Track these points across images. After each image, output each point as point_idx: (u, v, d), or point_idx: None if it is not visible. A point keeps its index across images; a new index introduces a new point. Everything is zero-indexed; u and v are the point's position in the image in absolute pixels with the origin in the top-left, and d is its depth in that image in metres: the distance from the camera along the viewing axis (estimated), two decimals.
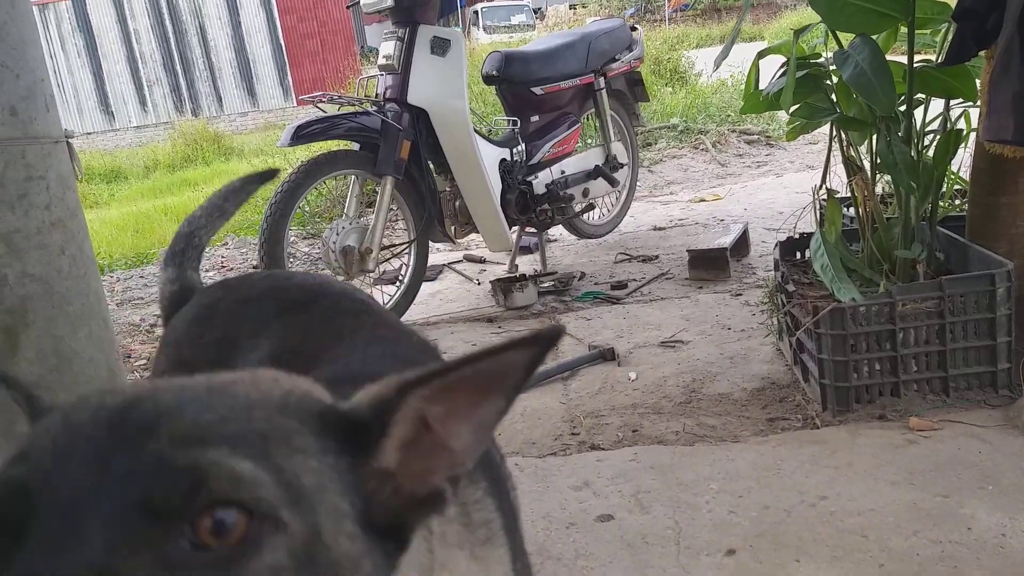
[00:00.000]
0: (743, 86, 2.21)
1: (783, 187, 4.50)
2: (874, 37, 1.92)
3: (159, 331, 3.10)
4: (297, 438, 0.49)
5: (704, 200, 4.47)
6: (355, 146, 2.90)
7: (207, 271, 4.00)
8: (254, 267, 4.01)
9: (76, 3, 17.23)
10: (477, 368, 0.50)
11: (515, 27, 19.77)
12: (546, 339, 0.49)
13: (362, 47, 17.56)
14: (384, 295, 3.04)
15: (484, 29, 19.88)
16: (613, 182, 3.61)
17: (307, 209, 4.78)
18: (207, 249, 4.34)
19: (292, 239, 4.41)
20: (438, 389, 0.51)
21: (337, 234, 2.82)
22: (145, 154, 11.97)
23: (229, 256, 4.29)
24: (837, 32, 1.98)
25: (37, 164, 1.91)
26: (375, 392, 0.52)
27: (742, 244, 3.31)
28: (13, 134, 1.87)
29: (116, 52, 17.62)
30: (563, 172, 3.43)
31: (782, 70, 2.11)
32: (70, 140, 2.05)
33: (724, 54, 2.06)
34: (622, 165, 3.73)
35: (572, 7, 23.84)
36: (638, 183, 4.33)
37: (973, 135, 2.03)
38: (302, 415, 0.50)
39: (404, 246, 3.07)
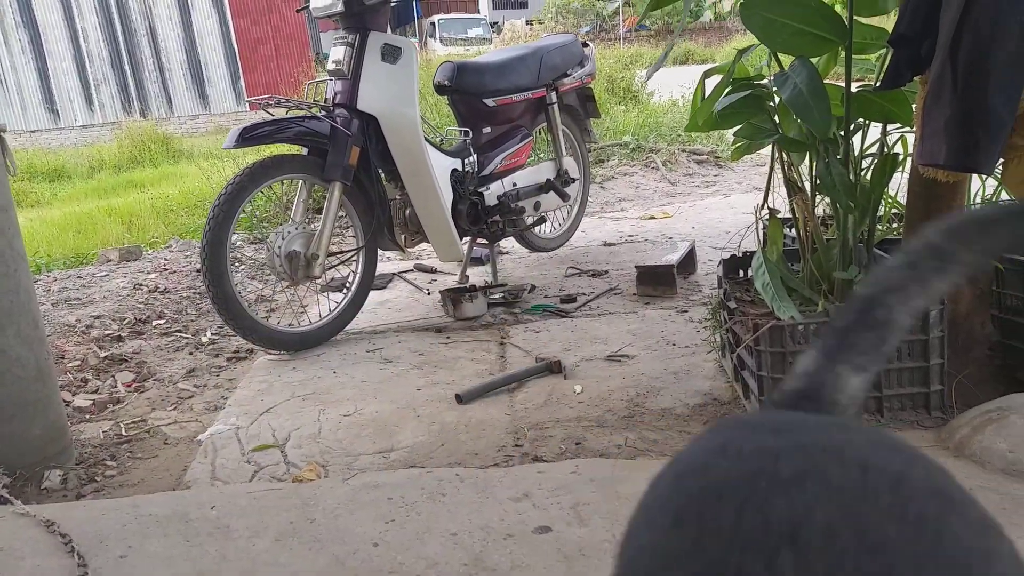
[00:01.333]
0: (691, 108, 2.25)
1: (730, 207, 4.59)
2: (814, 60, 1.98)
3: (95, 332, 3.01)
4: None
5: (654, 217, 4.53)
6: (303, 151, 2.87)
7: (148, 273, 3.90)
8: (197, 271, 3.92)
9: None
10: None
11: (472, 40, 19.85)
12: None
13: (317, 54, 17.41)
14: (331, 302, 3.00)
15: (441, 41, 19.93)
16: (564, 196, 3.63)
17: (256, 214, 4.70)
18: (150, 251, 4.23)
19: (238, 243, 4.33)
20: None
21: (283, 239, 2.77)
22: (90, 154, 11.65)
23: (172, 259, 4.19)
24: (779, 55, 2.02)
25: None
26: None
27: (689, 262, 3.36)
28: None
29: (62, 50, 17.14)
30: (515, 184, 3.44)
31: (728, 89, 2.15)
32: (2, 133, 1.99)
33: (656, 67, 2.09)
34: (573, 180, 3.76)
35: (529, 23, 24.06)
36: (589, 199, 4.37)
37: (909, 159, 2.10)
38: None
39: (352, 253, 3.04)
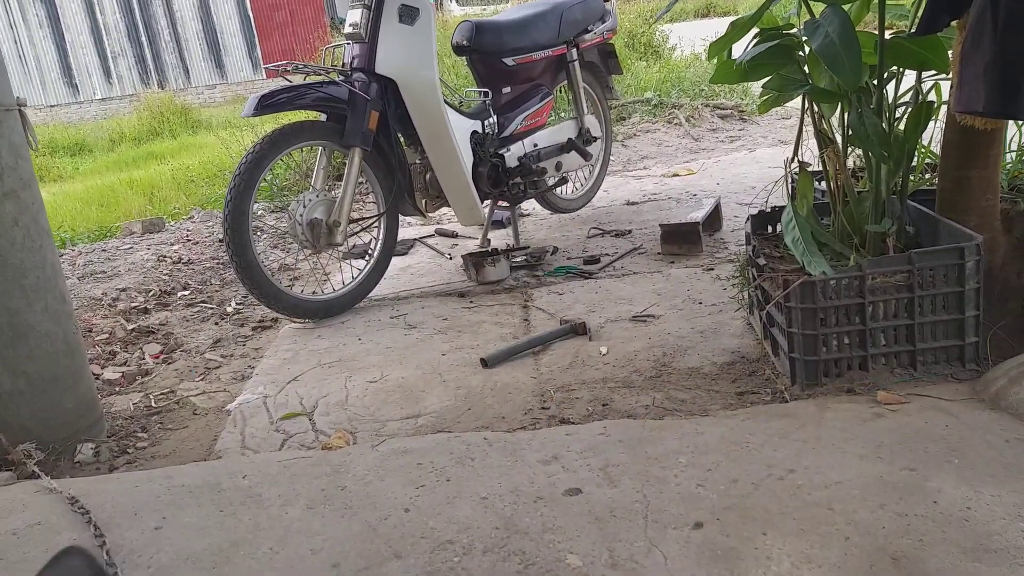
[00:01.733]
0: (717, 59, 2.18)
1: (756, 162, 4.50)
2: (845, 7, 1.90)
3: (121, 305, 3.04)
4: None
5: (677, 175, 4.45)
6: (322, 117, 2.84)
7: (171, 244, 3.92)
8: (219, 241, 3.93)
9: None
10: None
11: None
12: None
13: (332, 18, 17.23)
14: (354, 269, 2.99)
15: (457, 1, 19.62)
16: (586, 156, 3.57)
17: (276, 182, 4.70)
18: (172, 223, 4.27)
19: (259, 212, 4.33)
20: None
21: (304, 206, 2.76)
22: (110, 127, 11.71)
23: (195, 230, 4.21)
24: (809, 2, 1.95)
25: None
26: None
27: (714, 218, 3.30)
28: None
29: (79, 23, 17.14)
30: (536, 145, 3.39)
31: (754, 40, 2.08)
32: (23, 108, 1.98)
33: (667, 9, 2.03)
34: (595, 139, 3.69)
35: None
36: (611, 157, 4.30)
37: (944, 107, 2.03)
38: None
39: (373, 219, 3.02)
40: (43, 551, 1.50)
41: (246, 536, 1.48)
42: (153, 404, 2.28)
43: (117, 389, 2.41)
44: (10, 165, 1.89)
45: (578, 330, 2.44)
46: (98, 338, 2.71)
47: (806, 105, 2.09)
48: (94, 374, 2.34)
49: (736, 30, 1.98)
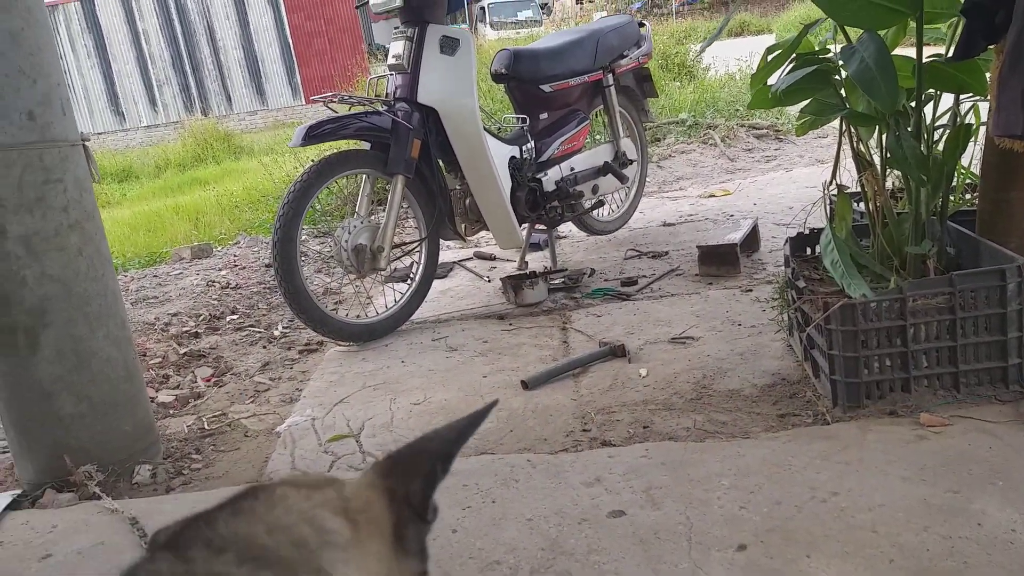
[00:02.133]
0: (752, 85, 2.22)
1: (792, 182, 4.50)
2: (883, 32, 1.93)
3: (173, 329, 3.14)
4: None
5: (713, 195, 4.47)
6: (366, 145, 2.92)
7: (219, 270, 4.04)
8: (267, 266, 4.04)
9: (85, 4, 17.33)
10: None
11: (522, 23, 19.74)
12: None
13: (369, 45, 17.56)
14: (396, 293, 3.06)
15: (491, 25, 19.87)
16: (622, 178, 3.61)
17: (318, 207, 4.81)
18: (219, 248, 4.38)
19: (304, 237, 4.43)
20: None
21: (349, 233, 2.84)
22: (156, 153, 12.05)
23: (241, 255, 4.32)
24: (846, 27, 1.98)
25: (54, 167, 1.94)
26: None
27: (752, 239, 3.31)
28: (31, 138, 1.90)
29: (125, 53, 17.71)
30: (572, 169, 3.44)
31: (791, 65, 2.11)
32: (86, 143, 2.08)
33: (710, 41, 2.07)
34: (631, 161, 3.73)
35: (579, 2, 23.80)
36: (647, 179, 4.33)
37: (983, 129, 2.03)
38: None
39: (415, 244, 3.09)
40: (108, 570, 1.57)
41: None
42: (206, 426, 2.36)
43: (171, 412, 2.50)
44: (75, 198, 1.99)
45: (617, 352, 2.47)
46: (152, 362, 2.81)
47: (843, 128, 2.11)
48: (149, 397, 2.42)
49: (775, 59, 2.02)
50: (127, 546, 1.62)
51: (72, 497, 1.94)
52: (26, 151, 1.89)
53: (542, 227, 3.48)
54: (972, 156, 2.23)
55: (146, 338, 3.03)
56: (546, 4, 23.20)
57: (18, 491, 2.03)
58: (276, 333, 3.14)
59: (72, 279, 1.97)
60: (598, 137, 4.44)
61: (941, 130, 2.06)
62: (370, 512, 0.58)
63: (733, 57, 7.63)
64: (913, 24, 1.89)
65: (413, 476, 0.62)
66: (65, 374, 1.98)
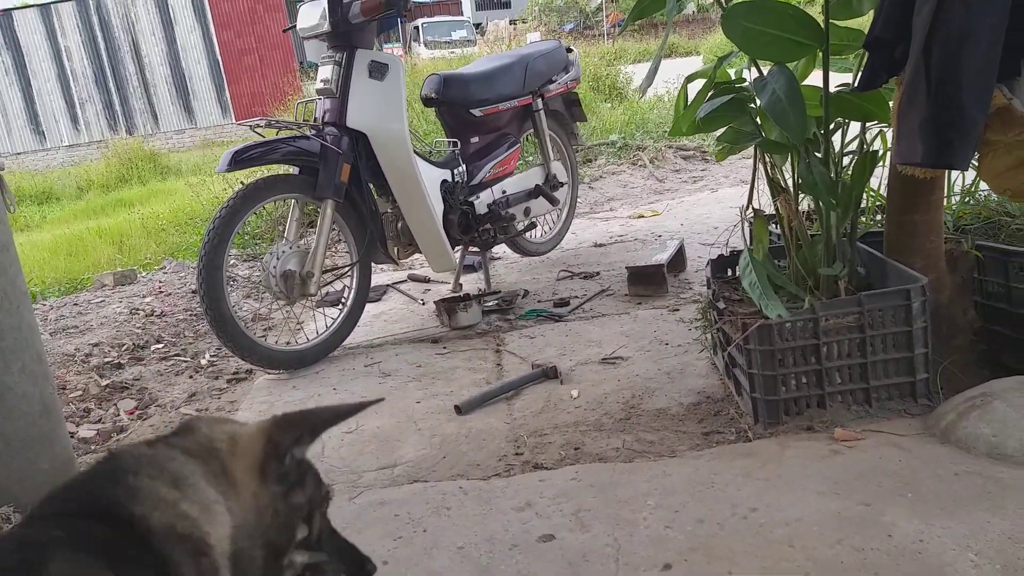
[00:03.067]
0: (674, 112, 2.29)
1: (718, 202, 4.63)
2: (792, 64, 2.02)
3: (94, 360, 3.04)
4: None
5: (643, 216, 4.57)
6: (295, 170, 2.90)
7: (143, 296, 3.93)
8: (193, 292, 3.95)
9: (3, 19, 16.71)
10: None
11: (456, 43, 19.86)
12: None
13: (301, 63, 17.42)
14: (327, 318, 3.04)
15: (425, 44, 19.94)
16: (553, 201, 3.67)
17: (247, 231, 4.73)
18: (143, 274, 4.25)
19: (232, 262, 4.35)
20: None
21: (277, 258, 2.81)
22: (78, 174, 11.67)
23: (167, 281, 4.22)
24: (757, 60, 2.07)
25: None
26: None
27: (679, 260, 3.40)
28: None
29: (46, 70, 17.13)
30: (504, 192, 3.48)
31: (710, 93, 2.19)
32: (1, 172, 2.02)
33: (648, 81, 2.13)
34: (562, 184, 3.80)
35: (512, 22, 24.07)
36: (578, 200, 4.41)
37: (889, 153, 2.14)
38: None
39: (346, 268, 3.07)
40: None
41: None
42: None
43: (93, 447, 2.42)
44: None
45: (549, 374, 2.50)
46: (72, 395, 2.71)
47: (758, 155, 2.20)
48: (69, 432, 2.34)
49: (698, 96, 2.08)
50: None
51: None
52: None
53: (475, 249, 3.50)
54: (881, 179, 2.34)
55: (66, 370, 2.93)
56: (480, 24, 23.39)
57: None
58: (203, 362, 3.08)
59: None
60: (529, 159, 4.51)
61: (850, 156, 2.16)
62: (249, 447, 0.86)
63: (661, 80, 7.83)
64: (820, 56, 1.98)
65: (287, 433, 0.87)
66: None
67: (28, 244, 6.73)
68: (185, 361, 3.10)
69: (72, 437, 2.39)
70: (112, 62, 17.22)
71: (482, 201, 3.37)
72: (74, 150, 17.04)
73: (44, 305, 3.99)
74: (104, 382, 2.83)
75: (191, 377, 2.94)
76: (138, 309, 3.61)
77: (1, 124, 17.02)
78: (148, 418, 2.63)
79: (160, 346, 3.26)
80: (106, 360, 3.06)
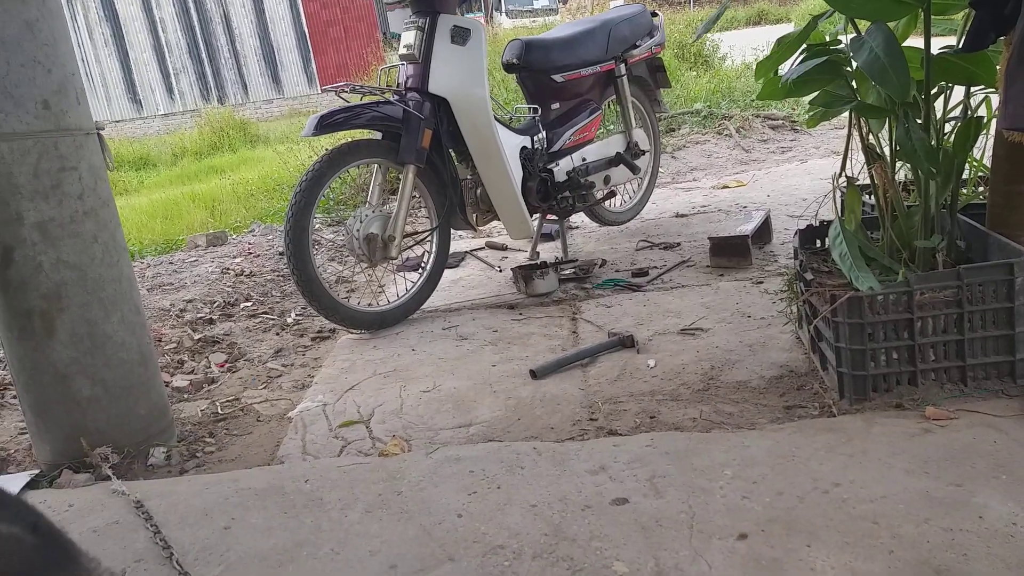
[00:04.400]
0: (763, 76, 2.21)
1: (807, 173, 4.48)
2: (892, 24, 1.91)
3: (188, 316, 3.18)
4: None
5: (727, 187, 4.45)
6: (378, 135, 2.94)
7: (234, 257, 4.08)
8: (280, 254, 4.08)
9: None
10: None
11: (538, 11, 19.68)
12: None
13: (384, 33, 17.58)
14: (407, 282, 3.08)
15: (506, 14, 19.82)
16: (634, 169, 3.62)
17: (331, 196, 4.84)
18: (234, 236, 4.44)
19: (317, 226, 4.47)
20: None
21: (360, 222, 2.86)
22: (172, 141, 12.13)
23: (256, 243, 4.36)
24: (855, 20, 1.97)
25: (70, 155, 1.97)
26: None
27: (764, 231, 3.31)
28: (46, 127, 1.93)
29: (143, 41, 17.81)
30: (584, 159, 3.45)
31: (801, 56, 2.10)
32: (101, 132, 2.11)
33: (706, 27, 2.06)
34: (643, 152, 3.73)
35: None
36: (660, 169, 4.33)
37: (995, 121, 2.02)
38: None
39: (426, 233, 3.11)
40: (121, 548, 1.61)
41: (309, 537, 1.56)
42: (219, 411, 2.39)
43: (186, 396, 2.54)
44: (90, 186, 2.02)
45: (626, 343, 2.48)
46: (167, 347, 2.85)
47: (853, 120, 2.11)
48: (164, 382, 2.46)
49: (783, 48, 2.01)
50: (140, 525, 1.66)
51: (88, 478, 1.98)
52: (42, 139, 1.92)
53: (554, 217, 3.49)
54: (984, 148, 2.21)
55: (161, 324, 3.07)
56: None
57: (36, 471, 2.07)
58: (289, 320, 3.18)
59: (87, 265, 2.00)
60: (610, 127, 4.44)
61: (952, 123, 2.05)
62: None
63: (750, 47, 7.60)
64: (922, 15, 1.88)
65: None
66: (80, 357, 2.01)
67: (127, 207, 7.05)
68: (272, 319, 3.20)
69: (167, 386, 2.51)
70: (204, 33, 17.77)
71: (561, 168, 3.35)
72: (169, 119, 17.73)
73: (142, 263, 4.18)
74: (197, 336, 2.96)
75: (277, 334, 3.05)
76: (228, 269, 3.75)
77: (101, 93, 17.82)
78: (237, 371, 2.74)
79: (249, 304, 3.38)
80: (199, 315, 3.19)
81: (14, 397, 2.60)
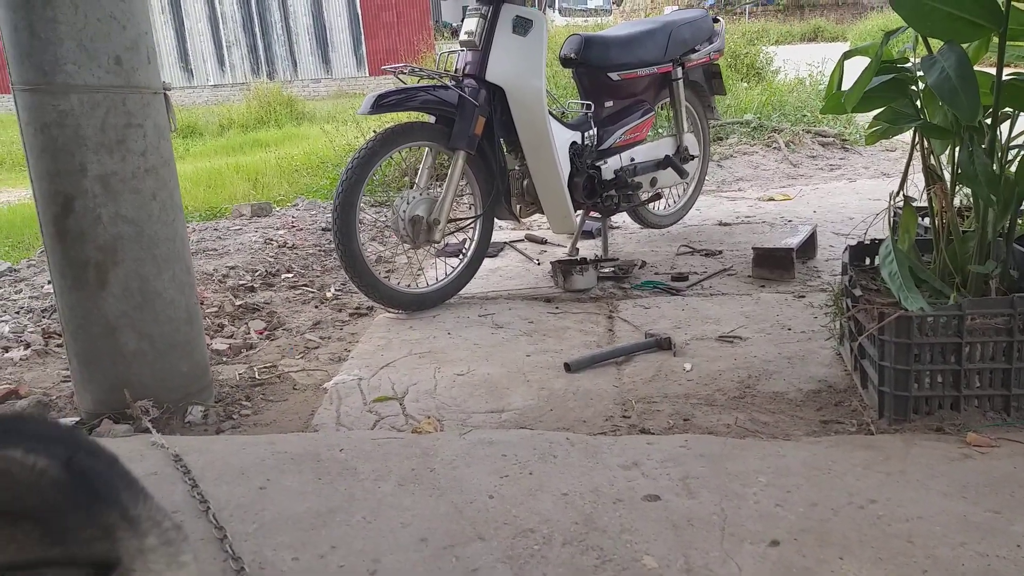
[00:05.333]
0: (822, 86, 2.19)
1: (855, 192, 4.42)
2: (964, 46, 1.89)
3: (230, 282, 3.23)
4: None
5: (773, 199, 4.42)
6: (431, 119, 2.96)
7: (277, 229, 4.13)
8: (323, 229, 4.12)
9: None
10: None
11: (591, 11, 19.62)
12: None
13: (437, 21, 17.63)
14: (447, 266, 3.11)
15: (559, 11, 19.78)
16: (682, 173, 3.60)
17: (376, 178, 4.88)
18: (278, 209, 4.49)
19: (361, 206, 4.50)
20: None
21: (407, 203, 2.89)
22: (221, 112, 12.30)
23: (299, 217, 4.42)
24: (927, 38, 1.94)
25: (136, 112, 2.01)
26: None
27: (809, 246, 3.28)
28: (116, 82, 1.97)
29: (198, 11, 18.06)
30: (633, 159, 3.44)
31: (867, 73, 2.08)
32: (167, 92, 2.15)
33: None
34: (692, 157, 3.71)
35: None
36: (707, 177, 4.31)
37: None
38: None
39: (470, 220, 3.13)
40: (158, 499, 1.64)
41: (342, 504, 1.58)
42: (257, 376, 2.43)
43: (225, 359, 2.58)
44: (153, 144, 2.07)
45: (663, 345, 2.48)
46: (209, 310, 2.90)
47: (916, 140, 2.08)
48: (206, 343, 2.50)
49: (863, 75, 1.97)
50: (179, 478, 1.69)
51: (128, 429, 2.02)
52: (111, 94, 1.96)
53: (596, 215, 3.49)
54: None
55: (204, 287, 3.12)
56: None
57: (77, 419, 2.12)
58: (328, 295, 3.22)
59: (144, 221, 2.05)
60: (661, 130, 4.43)
61: (1016, 150, 2.02)
62: None
63: (804, 62, 7.50)
64: (995, 40, 1.85)
65: None
66: (130, 311, 2.06)
67: None
68: (312, 292, 3.24)
69: (208, 348, 2.55)
70: (259, 8, 17.97)
71: (609, 167, 3.34)
72: (219, 90, 17.97)
73: (187, 228, 4.25)
74: (238, 302, 3.01)
75: (316, 307, 3.09)
76: (271, 240, 3.81)
77: None
78: (275, 339, 2.78)
79: (290, 275, 3.43)
80: (240, 283, 3.24)
81: (59, 345, 2.66)
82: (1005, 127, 2.00)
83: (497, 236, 3.95)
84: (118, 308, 2.05)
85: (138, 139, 2.02)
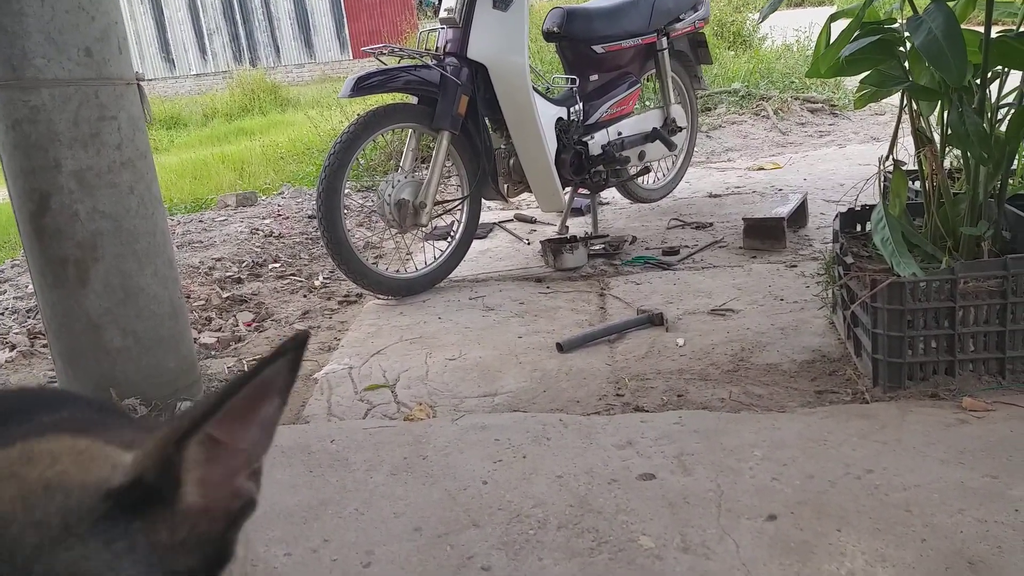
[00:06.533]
0: (810, 52, 2.16)
1: (845, 158, 4.39)
2: (950, 4, 1.85)
3: (217, 274, 3.20)
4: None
5: (762, 168, 4.38)
6: (413, 99, 2.91)
7: (263, 218, 4.09)
8: (310, 217, 4.08)
9: None
10: (246, 393, 0.53)
11: None
12: (297, 344, 0.54)
13: (419, 1, 17.44)
14: (435, 250, 3.07)
15: None
16: (671, 146, 3.56)
17: (362, 162, 4.83)
18: (263, 197, 4.44)
19: (347, 191, 4.45)
20: (216, 423, 0.53)
21: (392, 187, 2.85)
22: (204, 102, 12.17)
23: (285, 205, 4.37)
24: None
25: (109, 105, 1.97)
26: (154, 452, 0.52)
27: (800, 215, 3.25)
28: (87, 74, 1.93)
29: (178, 0, 17.80)
30: (620, 133, 3.40)
31: (856, 33, 2.04)
32: (141, 83, 2.10)
33: (772, 7, 2.00)
34: (680, 129, 3.67)
35: None
36: (695, 148, 4.27)
37: None
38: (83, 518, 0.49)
39: (457, 202, 3.09)
40: None
41: (334, 496, 1.56)
42: (246, 369, 2.40)
43: (213, 353, 2.56)
44: (129, 136, 2.02)
45: (655, 320, 2.45)
46: (196, 304, 2.86)
47: (904, 103, 2.05)
48: (192, 338, 2.47)
49: (843, 35, 1.94)
50: None
51: None
52: (82, 87, 1.92)
53: (585, 192, 3.45)
54: None
55: (190, 281, 3.09)
56: None
57: None
58: (316, 283, 3.18)
59: (123, 216, 2.01)
60: (647, 102, 4.38)
61: (1006, 109, 1.99)
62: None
63: (791, 27, 7.42)
64: None
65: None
66: (112, 308, 2.03)
67: (157, 166, 7.08)
68: (300, 281, 3.21)
69: (195, 342, 2.52)
70: None
71: (596, 142, 3.30)
72: (201, 79, 17.77)
73: (172, 221, 4.20)
74: (225, 294, 2.98)
75: (305, 296, 3.05)
76: (258, 229, 3.76)
77: (135, 51, 17.86)
78: (264, 331, 2.75)
79: (277, 265, 3.39)
80: (227, 274, 3.21)
81: (44, 346, 2.63)
82: (994, 87, 1.97)
83: (485, 217, 3.91)
84: (100, 305, 2.02)
85: (112, 132, 1.98)
